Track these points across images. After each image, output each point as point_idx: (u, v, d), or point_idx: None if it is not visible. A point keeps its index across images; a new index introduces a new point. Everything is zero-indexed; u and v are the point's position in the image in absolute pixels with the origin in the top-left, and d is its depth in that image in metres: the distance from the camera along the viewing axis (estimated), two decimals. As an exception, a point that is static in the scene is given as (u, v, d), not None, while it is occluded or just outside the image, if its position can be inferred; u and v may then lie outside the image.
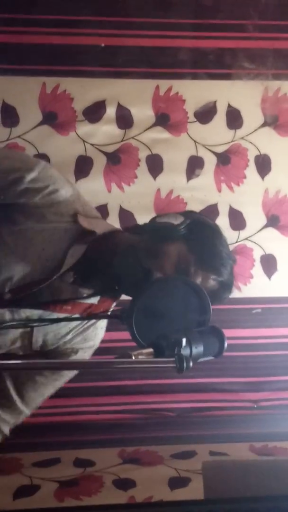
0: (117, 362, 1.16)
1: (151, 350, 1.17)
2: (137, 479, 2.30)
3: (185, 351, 1.16)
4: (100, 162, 2.59)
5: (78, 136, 2.57)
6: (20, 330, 1.59)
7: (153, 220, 1.62)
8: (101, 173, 2.58)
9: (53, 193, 1.56)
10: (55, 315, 1.58)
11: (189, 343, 1.18)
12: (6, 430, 1.69)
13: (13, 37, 2.51)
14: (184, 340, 1.16)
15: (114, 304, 1.68)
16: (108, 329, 1.75)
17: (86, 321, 1.66)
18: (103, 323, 1.71)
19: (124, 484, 2.28)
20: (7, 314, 1.55)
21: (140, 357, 1.15)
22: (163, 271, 1.49)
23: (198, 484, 2.14)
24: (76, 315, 1.61)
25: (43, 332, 1.62)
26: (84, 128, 2.57)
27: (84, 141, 2.57)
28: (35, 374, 1.64)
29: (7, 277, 1.53)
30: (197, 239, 1.53)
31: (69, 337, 1.65)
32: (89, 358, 1.68)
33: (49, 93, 2.54)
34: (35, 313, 1.57)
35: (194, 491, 2.16)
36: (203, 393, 2.72)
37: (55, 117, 2.56)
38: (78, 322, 1.64)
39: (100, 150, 2.59)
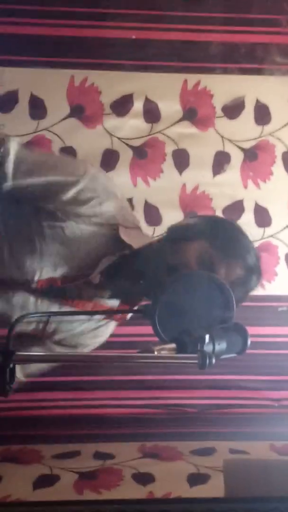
0: (140, 357, 1.15)
1: (173, 345, 1.16)
2: (156, 474, 2.30)
3: (208, 348, 1.16)
4: (126, 156, 2.58)
5: (105, 129, 2.57)
6: (37, 318, 1.62)
7: (170, 227, 1.65)
8: (127, 167, 2.58)
9: (96, 206, 1.57)
10: (74, 310, 1.60)
11: (212, 340, 1.17)
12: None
13: (42, 29, 2.52)
14: (207, 336, 1.16)
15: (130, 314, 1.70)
16: (131, 323, 1.75)
17: (101, 318, 1.67)
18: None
19: (143, 478, 2.27)
20: (31, 300, 1.58)
21: (162, 352, 1.15)
22: (187, 267, 1.49)
23: (218, 481, 2.13)
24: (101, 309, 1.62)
25: (58, 320, 1.64)
26: (111, 122, 2.57)
27: (110, 134, 2.57)
28: None
29: (39, 267, 1.56)
30: (216, 234, 1.54)
31: (79, 329, 1.67)
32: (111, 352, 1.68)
33: (77, 86, 2.54)
34: (56, 305, 1.59)
35: (214, 488, 2.15)
36: (224, 390, 2.70)
37: (82, 110, 2.56)
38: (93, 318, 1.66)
39: (126, 144, 2.58)
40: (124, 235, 1.58)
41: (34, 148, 1.60)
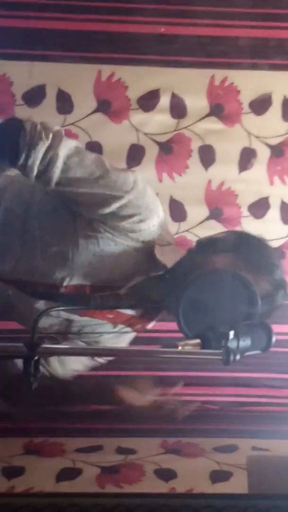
0: (163, 352, 1.16)
1: (198, 341, 1.16)
2: (178, 470, 2.30)
3: (232, 344, 1.16)
4: (152, 151, 2.58)
5: (131, 124, 2.57)
6: (60, 318, 1.62)
7: (198, 241, 1.65)
8: (153, 163, 2.58)
9: (136, 223, 1.56)
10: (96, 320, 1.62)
11: (236, 336, 1.17)
12: None
13: (70, 24, 2.52)
14: (231, 332, 1.15)
15: (153, 323, 1.71)
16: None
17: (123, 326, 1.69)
18: None
19: (165, 474, 2.28)
20: (54, 304, 1.59)
21: (186, 347, 1.15)
22: None
23: (240, 478, 2.12)
24: None
25: (81, 323, 1.65)
26: (138, 117, 2.57)
27: (137, 129, 2.57)
28: None
29: (69, 274, 1.57)
30: (245, 247, 1.56)
31: (102, 336, 1.68)
32: (136, 347, 1.69)
33: (104, 81, 2.55)
34: (77, 314, 1.62)
35: (236, 485, 2.14)
36: (247, 387, 2.69)
37: (109, 105, 2.56)
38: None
39: (152, 139, 2.58)
40: (159, 254, 1.58)
41: (84, 152, 1.56)
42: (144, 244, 1.59)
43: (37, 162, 1.47)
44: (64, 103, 2.53)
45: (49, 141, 1.47)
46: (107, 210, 1.52)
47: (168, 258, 1.59)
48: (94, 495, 1.92)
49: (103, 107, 2.56)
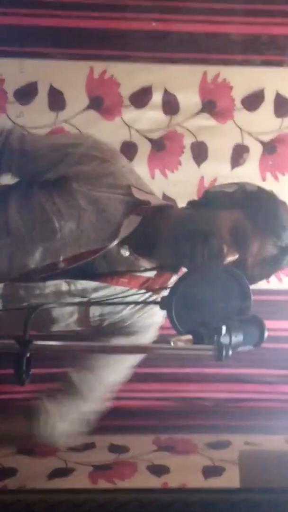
0: (156, 348, 1.15)
1: (190, 337, 1.16)
2: (171, 466, 2.30)
3: (225, 339, 1.15)
4: (144, 148, 2.58)
5: (124, 121, 2.56)
6: (77, 298, 1.58)
7: (206, 191, 1.60)
8: (145, 159, 2.57)
9: (104, 162, 1.56)
10: (112, 288, 1.57)
11: (229, 331, 1.16)
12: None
13: (61, 21, 2.52)
14: (224, 327, 1.15)
15: (174, 278, 1.62)
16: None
17: (144, 297, 1.63)
18: None
19: (158, 470, 2.28)
20: (63, 285, 1.56)
21: (178, 343, 1.14)
22: (219, 237, 1.46)
23: (233, 474, 2.13)
24: (121, 299, 1.60)
25: (100, 306, 1.61)
26: (130, 114, 2.57)
27: (129, 126, 2.57)
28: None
29: (62, 245, 1.54)
30: (254, 205, 1.50)
31: (125, 313, 1.63)
32: (127, 344, 1.67)
33: (96, 78, 2.54)
34: (91, 284, 1.56)
35: (228, 481, 2.15)
36: (240, 384, 2.69)
37: (101, 102, 2.56)
38: (135, 297, 1.62)
39: (145, 136, 2.58)
40: (138, 194, 1.55)
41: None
42: (124, 191, 1.56)
43: None
44: (56, 100, 2.52)
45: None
46: (74, 158, 1.55)
47: (149, 198, 1.56)
48: (86, 491, 1.92)
49: (95, 104, 2.55)
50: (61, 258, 1.54)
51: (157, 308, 1.62)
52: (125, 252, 1.55)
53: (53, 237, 1.54)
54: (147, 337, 1.66)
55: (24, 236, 1.56)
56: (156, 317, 1.65)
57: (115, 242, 1.53)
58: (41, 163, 1.59)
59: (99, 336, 1.64)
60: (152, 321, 1.66)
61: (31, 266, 1.56)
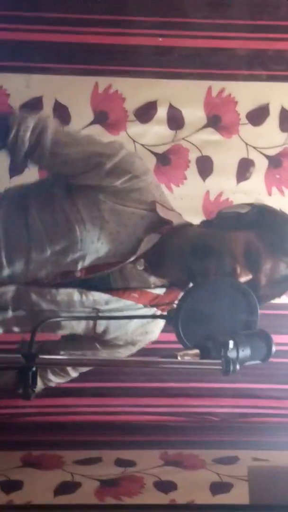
0: (163, 362, 1.15)
1: (197, 351, 1.15)
2: (179, 482, 2.28)
3: (232, 354, 1.14)
4: (150, 162, 2.57)
5: (129, 136, 2.57)
6: (88, 309, 1.60)
7: (219, 212, 1.61)
8: (150, 174, 2.58)
9: (133, 179, 1.56)
10: (122, 302, 1.58)
11: (236, 346, 1.16)
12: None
13: (67, 36, 2.53)
14: (231, 342, 1.14)
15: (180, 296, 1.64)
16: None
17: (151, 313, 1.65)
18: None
19: (165, 486, 2.26)
20: (75, 295, 1.56)
21: (185, 358, 1.14)
22: (233, 258, 1.48)
23: (241, 490, 2.11)
24: (125, 314, 1.61)
25: (108, 321, 1.62)
26: (135, 128, 2.57)
27: (134, 141, 2.57)
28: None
29: (81, 255, 1.55)
30: (266, 226, 1.51)
31: (130, 328, 1.64)
32: (134, 358, 1.67)
33: (101, 92, 2.55)
34: (103, 297, 1.57)
35: (236, 497, 2.13)
36: (248, 398, 2.68)
37: (106, 117, 2.57)
38: (142, 312, 1.63)
39: (150, 151, 2.58)
40: (162, 212, 1.56)
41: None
42: (148, 207, 1.57)
43: (28, 134, 1.53)
44: (62, 114, 2.53)
45: (37, 117, 1.57)
46: (103, 170, 1.54)
47: (171, 216, 1.58)
48: (93, 507, 1.90)
49: (100, 118, 2.56)
50: (79, 268, 1.55)
51: (154, 327, 1.65)
52: (141, 266, 1.56)
53: (74, 246, 1.54)
54: (131, 351, 1.69)
55: (44, 241, 1.56)
56: (150, 335, 1.68)
57: (133, 258, 1.54)
58: (70, 168, 1.58)
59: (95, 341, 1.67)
60: (146, 338, 1.68)
61: (48, 271, 1.56)
